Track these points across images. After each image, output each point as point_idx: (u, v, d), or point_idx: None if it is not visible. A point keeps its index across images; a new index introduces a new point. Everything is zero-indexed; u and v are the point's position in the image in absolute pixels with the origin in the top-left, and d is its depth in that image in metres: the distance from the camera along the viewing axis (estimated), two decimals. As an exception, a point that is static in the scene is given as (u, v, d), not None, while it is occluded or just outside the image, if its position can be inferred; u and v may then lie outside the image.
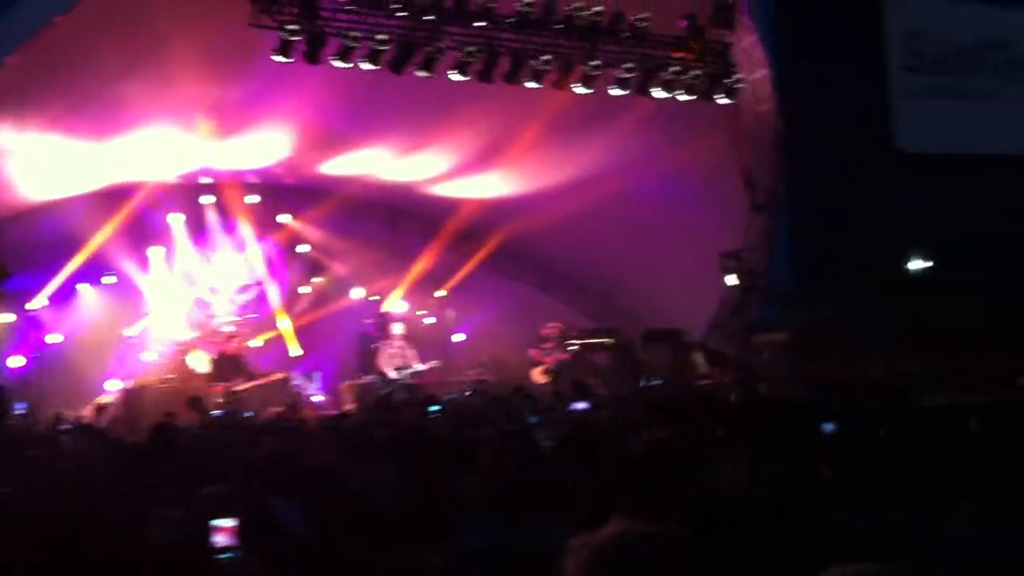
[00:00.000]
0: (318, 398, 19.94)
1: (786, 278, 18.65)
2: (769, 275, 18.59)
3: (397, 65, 13.91)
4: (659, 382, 14.65)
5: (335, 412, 15.97)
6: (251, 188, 20.88)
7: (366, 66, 13.72)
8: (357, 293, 21.77)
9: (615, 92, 15.38)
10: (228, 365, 16.91)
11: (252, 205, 20.86)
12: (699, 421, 6.33)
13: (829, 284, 16.88)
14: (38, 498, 6.05)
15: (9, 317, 18.09)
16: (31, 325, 18.97)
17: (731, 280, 18.17)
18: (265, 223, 21.21)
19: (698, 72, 15.80)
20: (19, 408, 15.81)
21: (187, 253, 20.40)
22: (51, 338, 19.19)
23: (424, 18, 14.05)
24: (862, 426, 6.55)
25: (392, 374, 17.53)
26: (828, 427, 6.95)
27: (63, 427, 11.46)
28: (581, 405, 8.76)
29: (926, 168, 16.48)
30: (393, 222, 22.52)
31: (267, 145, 18.27)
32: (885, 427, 5.86)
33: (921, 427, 5.64)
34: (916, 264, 17.87)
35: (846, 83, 16.18)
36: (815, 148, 17.11)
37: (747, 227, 18.24)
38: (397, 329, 18.15)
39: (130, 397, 17.47)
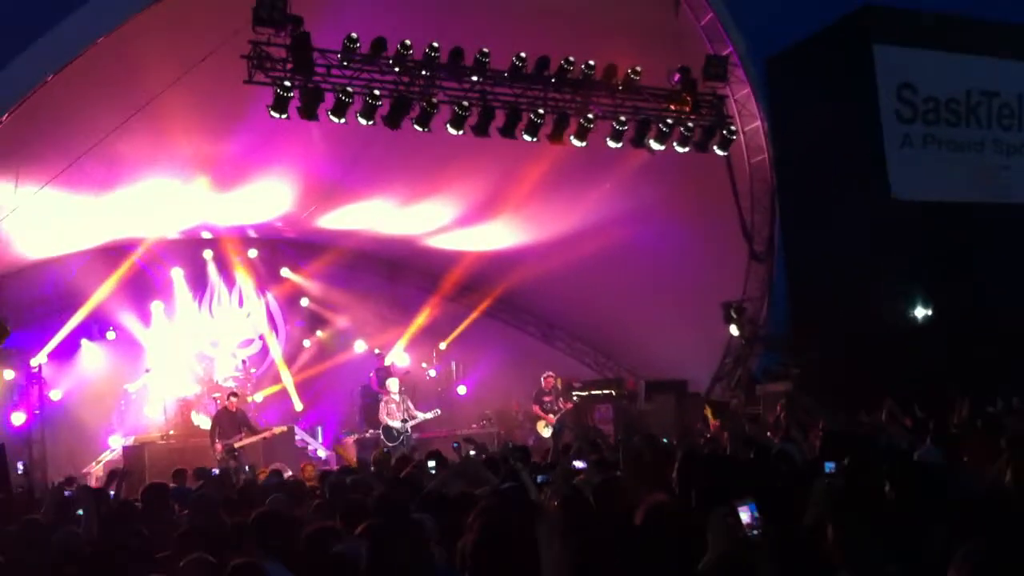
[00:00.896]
0: (320, 453, 19.88)
1: (786, 327, 18.65)
2: (769, 324, 18.60)
3: (392, 120, 13.96)
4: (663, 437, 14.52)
5: (336, 467, 15.91)
6: (251, 242, 21.02)
7: (361, 121, 13.79)
8: (359, 346, 21.78)
9: (610, 144, 15.45)
10: (230, 421, 16.80)
11: (252, 259, 20.97)
12: (702, 478, 6.26)
13: (829, 332, 16.84)
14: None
15: (10, 374, 18.09)
16: (33, 381, 18.97)
17: (733, 330, 18.17)
18: (266, 277, 21.31)
19: (692, 124, 15.89)
20: (20, 466, 15.78)
21: (188, 308, 20.47)
22: (53, 394, 19.20)
23: (418, 73, 14.13)
24: (865, 480, 6.49)
25: (395, 428, 17.45)
26: (830, 466, 6.87)
27: (67, 490, 11.38)
28: (580, 464, 8.66)
29: (921, 216, 16.52)
30: (393, 275, 22.60)
31: (266, 199, 18.38)
32: (889, 481, 5.67)
33: (922, 483, 5.47)
34: (915, 312, 17.85)
35: (839, 133, 16.25)
36: (810, 198, 17.17)
37: (746, 277, 18.29)
38: (396, 385, 18.07)
39: (131, 454, 17.39)
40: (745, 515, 4.94)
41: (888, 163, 16.73)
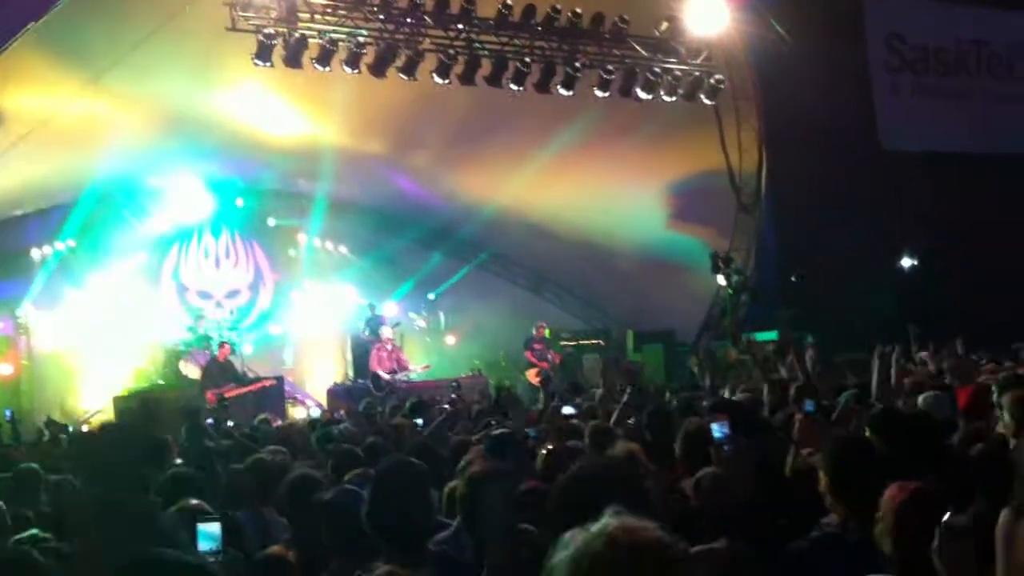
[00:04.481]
0: (310, 403, 19.94)
1: (773, 277, 18.71)
2: (756, 275, 18.66)
3: (378, 68, 13.88)
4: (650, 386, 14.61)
5: (326, 418, 15.94)
6: (239, 192, 20.90)
7: (346, 70, 13.69)
8: (348, 297, 21.76)
9: (598, 94, 15.37)
10: (219, 371, 16.83)
11: (240, 208, 20.88)
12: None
13: (816, 283, 16.92)
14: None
15: (-3, 324, 18.06)
16: (19, 331, 18.93)
17: (720, 280, 18.22)
18: (254, 227, 21.22)
19: (680, 73, 15.81)
20: (7, 415, 15.81)
21: (177, 257, 20.41)
22: (40, 344, 19.13)
23: (403, 20, 14.01)
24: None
25: (384, 378, 17.52)
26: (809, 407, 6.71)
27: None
28: (569, 409, 8.76)
29: (910, 166, 16.54)
30: (385, 226, 22.51)
31: (256, 150, 18.27)
32: (871, 429, 5.64)
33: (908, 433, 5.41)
34: (903, 262, 17.94)
35: (828, 83, 16.22)
36: (799, 148, 17.15)
37: (734, 228, 18.31)
38: (388, 333, 18.13)
39: (120, 404, 17.37)
40: (718, 432, 5.11)
41: (877, 113, 16.74)
